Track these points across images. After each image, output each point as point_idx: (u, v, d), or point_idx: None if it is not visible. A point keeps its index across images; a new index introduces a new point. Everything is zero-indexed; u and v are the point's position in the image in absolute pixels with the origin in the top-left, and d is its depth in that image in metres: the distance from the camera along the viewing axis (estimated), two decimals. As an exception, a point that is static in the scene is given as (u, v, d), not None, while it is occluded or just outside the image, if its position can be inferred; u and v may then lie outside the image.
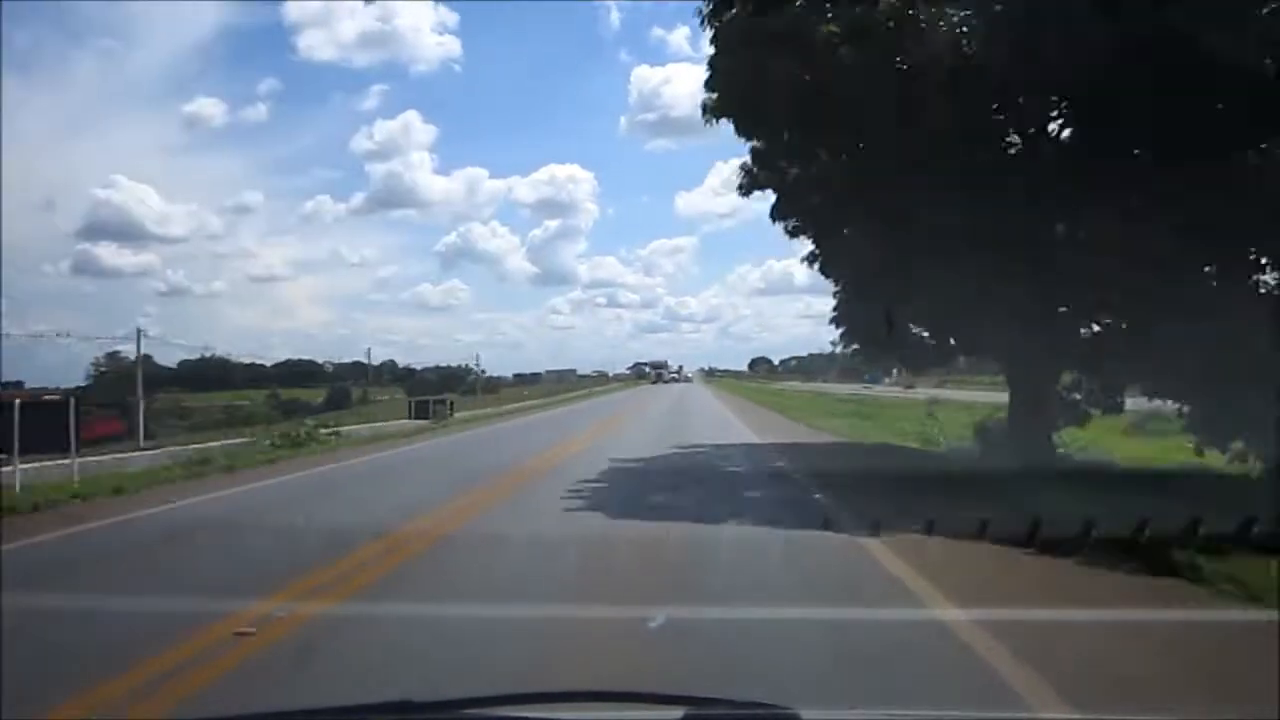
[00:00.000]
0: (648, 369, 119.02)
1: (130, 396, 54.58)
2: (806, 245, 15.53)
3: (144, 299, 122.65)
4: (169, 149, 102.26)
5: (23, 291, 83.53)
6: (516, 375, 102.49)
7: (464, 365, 74.76)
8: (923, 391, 53.27)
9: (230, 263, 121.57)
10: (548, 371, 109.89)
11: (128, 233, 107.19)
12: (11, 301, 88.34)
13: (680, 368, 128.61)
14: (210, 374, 70.02)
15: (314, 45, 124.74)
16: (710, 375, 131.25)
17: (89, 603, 5.25)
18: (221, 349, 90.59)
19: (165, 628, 4.53)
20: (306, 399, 62.79)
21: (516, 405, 48.86)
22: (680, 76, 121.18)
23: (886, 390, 61.11)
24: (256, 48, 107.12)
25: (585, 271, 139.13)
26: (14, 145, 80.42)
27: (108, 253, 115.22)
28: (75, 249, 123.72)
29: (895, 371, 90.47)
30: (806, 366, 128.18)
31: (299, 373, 70.17)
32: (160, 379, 69.64)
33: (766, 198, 14.61)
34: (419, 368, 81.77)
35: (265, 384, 67.36)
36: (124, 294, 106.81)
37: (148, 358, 71.15)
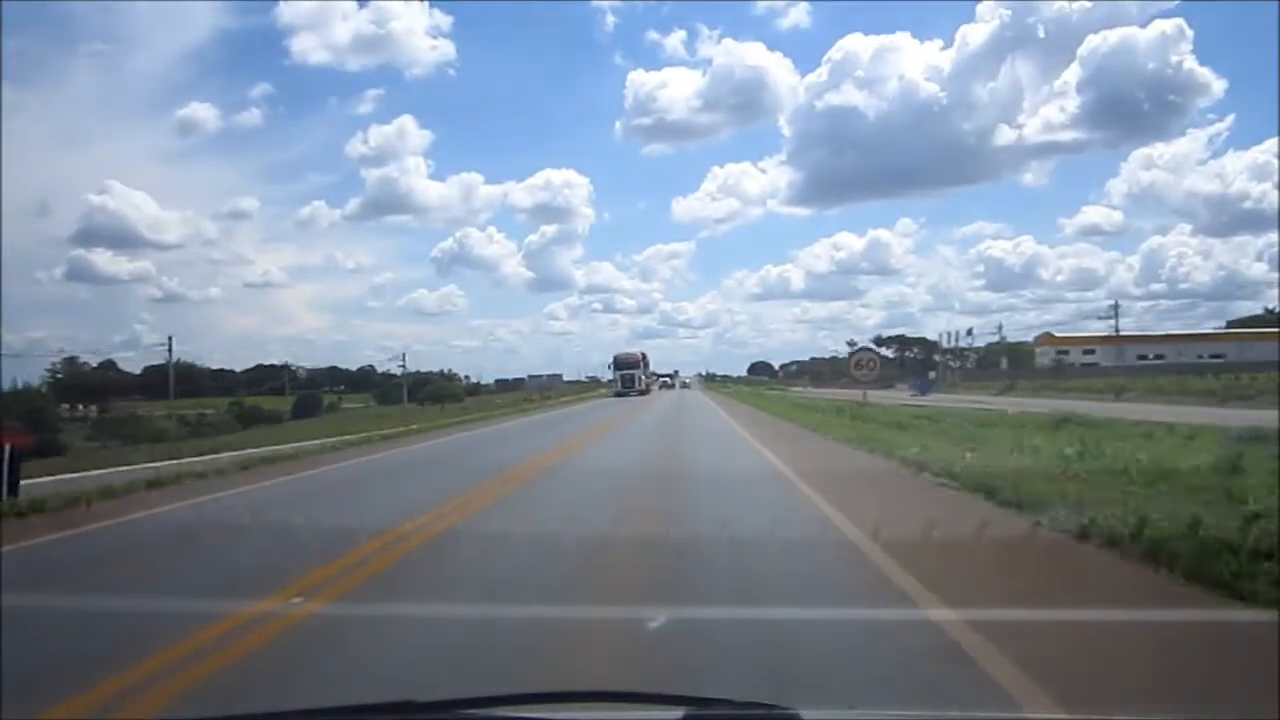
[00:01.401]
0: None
1: (67, 407, 53.90)
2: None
3: (140, 306, 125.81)
4: (163, 155, 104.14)
5: (17, 297, 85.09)
6: (498, 381, 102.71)
7: (445, 371, 74.31)
8: (986, 400, 37.33)
9: (226, 269, 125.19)
10: (530, 377, 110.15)
11: (122, 239, 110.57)
12: (7, 307, 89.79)
13: (676, 372, 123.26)
14: (176, 381, 69.62)
15: (307, 49, 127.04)
16: (710, 380, 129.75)
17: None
18: (222, 356, 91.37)
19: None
20: (273, 407, 62.50)
21: (408, 428, 29.39)
22: (676, 80, 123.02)
23: (952, 400, 41.61)
24: (249, 52, 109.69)
25: (582, 277, 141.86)
26: (8, 150, 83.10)
27: (103, 259, 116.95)
28: (69, 255, 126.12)
29: (931, 376, 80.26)
30: (808, 371, 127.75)
31: (271, 379, 69.91)
32: (123, 386, 69.29)
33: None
34: (398, 373, 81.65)
35: (235, 391, 67.07)
36: (120, 301, 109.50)
37: (111, 364, 70.75)
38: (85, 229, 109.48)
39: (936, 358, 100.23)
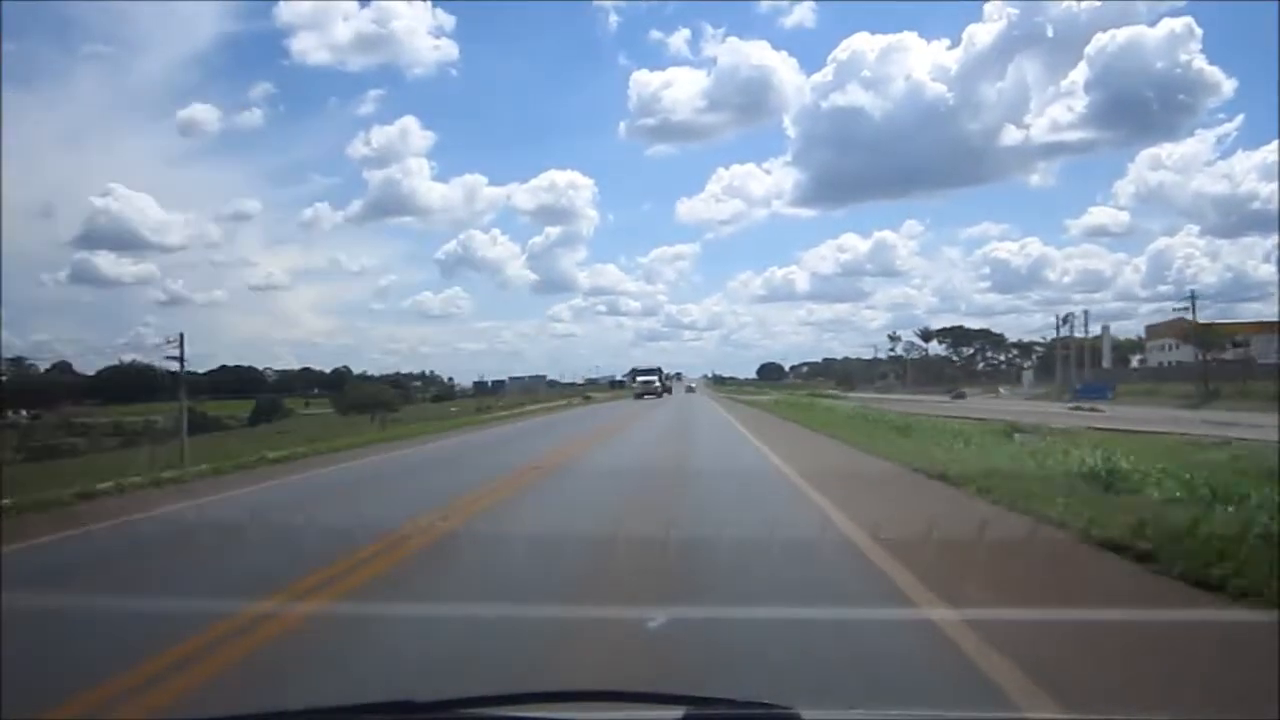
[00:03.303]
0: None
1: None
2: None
3: (144, 308, 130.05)
4: (166, 157, 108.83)
5: (21, 300, 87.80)
6: (476, 384, 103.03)
7: (429, 372, 73.45)
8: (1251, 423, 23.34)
9: (230, 272, 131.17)
10: (511, 379, 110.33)
11: (126, 242, 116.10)
12: (11, 310, 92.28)
13: (678, 374, 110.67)
14: (131, 383, 69.32)
15: (307, 49, 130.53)
16: (719, 383, 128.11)
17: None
18: (227, 359, 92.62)
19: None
20: (232, 411, 62.22)
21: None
22: (680, 80, 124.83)
23: (1162, 417, 29.23)
24: (250, 52, 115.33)
25: (586, 279, 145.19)
26: (12, 153, 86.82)
27: (106, 262, 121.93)
28: (73, 258, 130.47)
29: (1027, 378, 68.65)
30: (824, 372, 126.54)
31: (237, 381, 69.59)
32: (75, 389, 68.86)
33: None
34: (376, 375, 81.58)
35: (195, 394, 66.70)
36: (124, 303, 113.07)
37: (66, 365, 70.44)
38: (89, 231, 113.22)
39: (990, 352, 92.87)
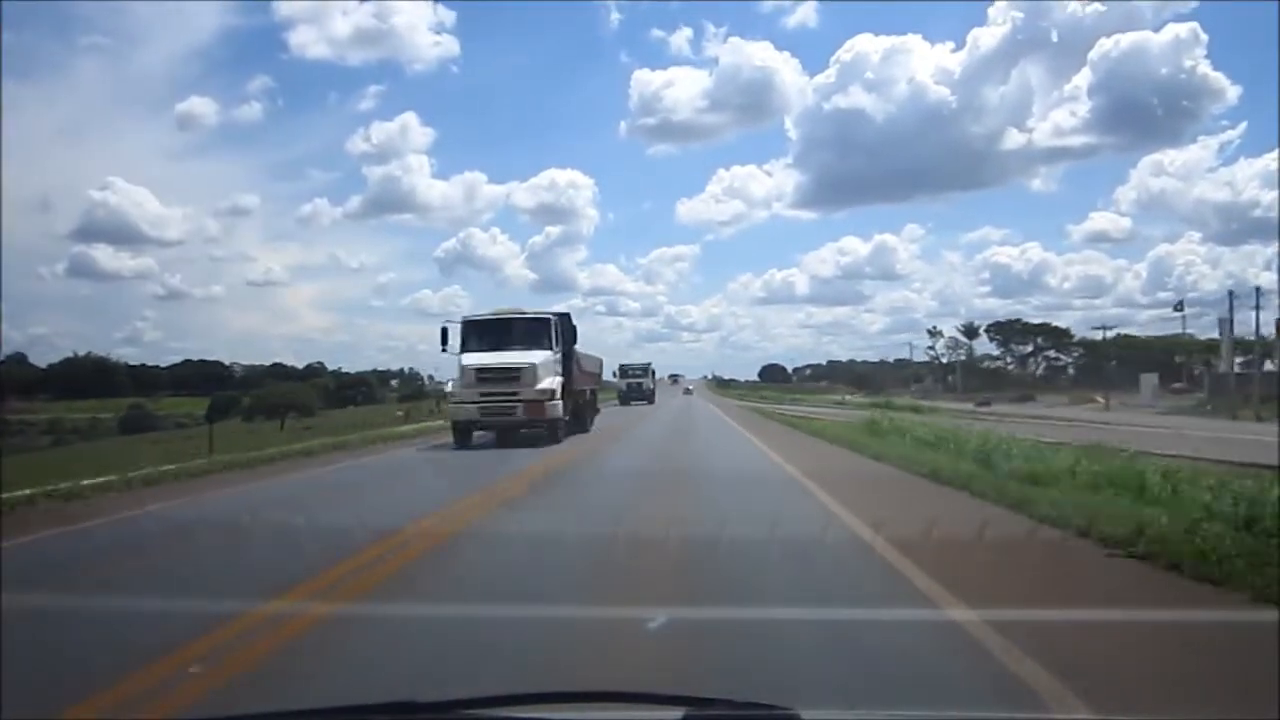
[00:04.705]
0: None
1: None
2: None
3: (142, 303, 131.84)
4: (164, 151, 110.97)
5: (20, 293, 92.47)
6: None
7: (407, 369, 72.89)
8: None
9: (228, 267, 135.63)
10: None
11: (124, 235, 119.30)
12: (10, 303, 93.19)
13: (676, 375, 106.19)
14: (85, 377, 68.63)
15: (307, 43, 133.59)
16: (723, 386, 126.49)
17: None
18: (222, 354, 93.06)
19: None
20: (192, 409, 61.81)
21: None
22: (682, 80, 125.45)
23: None
24: (249, 46, 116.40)
25: (585, 279, 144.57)
26: (10, 146, 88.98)
27: (104, 256, 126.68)
28: (71, 251, 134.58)
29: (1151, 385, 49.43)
30: (830, 374, 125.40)
31: (200, 376, 69.04)
32: (26, 384, 68.05)
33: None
34: (353, 371, 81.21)
35: (156, 390, 66.31)
36: (122, 297, 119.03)
37: (22, 358, 69.59)
38: (87, 225, 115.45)
39: (1052, 351, 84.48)
